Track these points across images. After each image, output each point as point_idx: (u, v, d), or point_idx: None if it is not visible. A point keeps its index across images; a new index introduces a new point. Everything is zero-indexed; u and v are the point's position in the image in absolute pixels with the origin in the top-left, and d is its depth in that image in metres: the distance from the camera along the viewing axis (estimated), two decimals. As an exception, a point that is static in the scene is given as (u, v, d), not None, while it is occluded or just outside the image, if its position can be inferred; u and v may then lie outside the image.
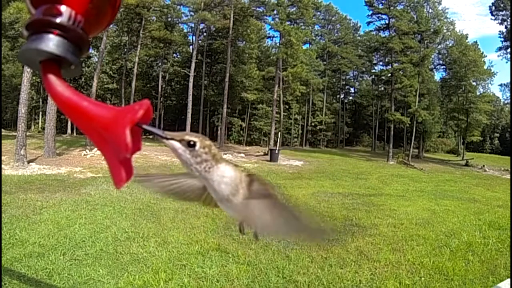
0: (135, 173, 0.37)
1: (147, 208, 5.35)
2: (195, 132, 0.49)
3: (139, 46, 25.01)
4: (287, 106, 31.22)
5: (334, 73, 36.87)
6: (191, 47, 29.65)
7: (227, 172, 0.50)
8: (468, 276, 3.41)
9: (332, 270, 3.37)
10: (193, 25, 26.81)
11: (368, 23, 25.88)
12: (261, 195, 0.51)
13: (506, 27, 22.05)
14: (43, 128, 15.19)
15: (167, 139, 0.46)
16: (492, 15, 22.77)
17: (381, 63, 30.62)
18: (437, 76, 36.11)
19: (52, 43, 0.33)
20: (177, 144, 0.46)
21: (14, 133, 13.84)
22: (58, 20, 0.33)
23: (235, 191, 0.50)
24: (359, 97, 40.35)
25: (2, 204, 4.99)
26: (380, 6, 23.78)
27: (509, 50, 22.12)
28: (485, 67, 28.92)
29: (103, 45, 16.57)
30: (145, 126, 0.38)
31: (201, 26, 25.10)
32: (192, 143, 0.46)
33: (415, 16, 24.30)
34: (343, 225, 5.04)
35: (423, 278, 3.33)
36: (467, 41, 28.66)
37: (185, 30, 32.01)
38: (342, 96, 40.47)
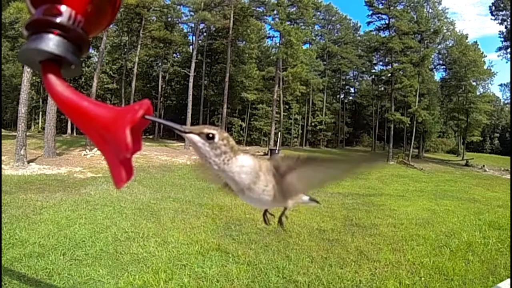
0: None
1: (147, 208, 5.35)
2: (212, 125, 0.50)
3: (139, 46, 25.02)
4: (287, 106, 31.23)
5: (334, 73, 36.88)
6: (191, 47, 29.64)
7: (245, 161, 0.50)
8: (468, 276, 3.41)
9: (332, 270, 3.37)
10: (193, 25, 26.82)
11: (368, 23, 25.93)
12: (289, 168, 0.51)
13: (506, 27, 22.06)
14: (43, 128, 15.19)
15: (186, 132, 0.47)
16: (492, 15, 22.79)
17: (381, 63, 30.63)
18: (437, 76, 36.24)
19: (52, 43, 0.33)
20: (196, 137, 0.47)
21: (14, 133, 13.84)
22: (58, 20, 0.33)
23: (256, 178, 0.50)
24: (359, 97, 40.36)
25: (2, 204, 4.99)
26: (380, 6, 23.78)
27: (509, 50, 22.13)
28: (485, 67, 28.94)
29: (103, 45, 16.57)
30: (162, 121, 0.38)
31: (201, 26, 25.10)
32: (211, 135, 0.47)
33: (415, 16, 24.31)
34: (343, 225, 5.04)
35: (423, 278, 3.32)
36: (467, 41, 28.66)
37: (185, 30, 32.08)
38: (342, 96, 40.50)
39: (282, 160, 0.52)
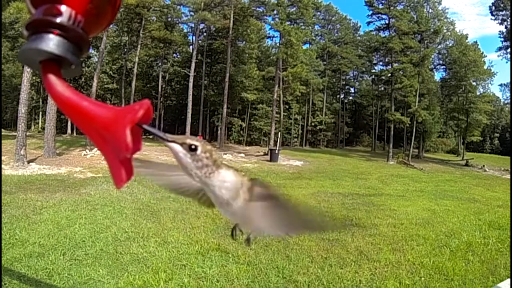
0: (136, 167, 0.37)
1: (147, 208, 5.35)
2: (195, 136, 0.50)
3: (139, 46, 25.01)
4: (287, 106, 31.22)
5: (334, 73, 36.86)
6: (191, 47, 29.64)
7: (228, 177, 0.49)
8: (468, 276, 3.41)
9: (332, 270, 3.37)
10: (193, 25, 26.82)
11: (368, 23, 25.93)
12: (262, 197, 0.51)
13: (506, 27, 22.05)
14: (43, 128, 15.19)
15: (168, 141, 0.46)
16: (492, 15, 22.78)
17: (381, 63, 30.64)
18: (437, 76, 36.14)
19: (52, 43, 0.32)
20: (178, 147, 0.46)
21: (14, 133, 13.84)
22: (58, 20, 0.33)
23: (236, 195, 0.50)
24: (359, 97, 40.36)
25: (2, 204, 4.99)
26: (380, 6, 23.78)
27: (509, 50, 22.13)
28: (485, 67, 28.93)
29: (103, 45, 16.57)
30: (146, 127, 0.38)
31: (201, 26, 25.10)
32: (193, 147, 0.46)
33: (415, 16, 24.30)
34: (343, 225, 5.03)
35: (423, 278, 3.32)
36: (467, 41, 28.66)
37: (185, 30, 32.06)
38: (342, 96, 40.48)
39: (261, 185, 0.51)
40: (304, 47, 27.92)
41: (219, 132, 27.03)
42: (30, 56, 0.34)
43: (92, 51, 24.86)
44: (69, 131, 26.39)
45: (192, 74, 21.06)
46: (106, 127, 0.34)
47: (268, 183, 0.53)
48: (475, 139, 30.05)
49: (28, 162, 9.32)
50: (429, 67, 27.25)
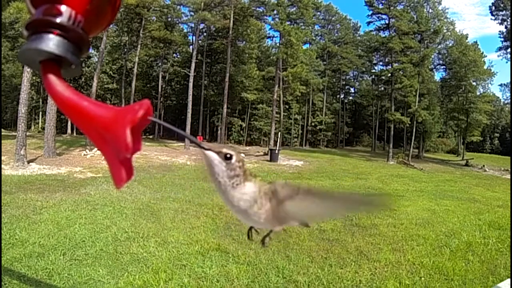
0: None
1: (147, 208, 5.35)
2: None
3: (139, 46, 25.01)
4: (287, 106, 31.22)
5: (334, 73, 36.86)
6: (191, 47, 29.64)
7: (249, 189, 0.51)
8: (468, 276, 3.41)
9: (332, 270, 3.37)
10: (193, 25, 26.80)
11: (368, 23, 25.92)
12: (290, 195, 0.52)
13: (506, 27, 22.04)
14: (43, 128, 15.19)
15: (205, 149, 0.49)
16: (492, 15, 22.77)
17: (381, 63, 30.63)
18: (437, 76, 36.17)
19: (52, 43, 0.33)
20: (214, 155, 0.49)
21: (14, 133, 13.84)
22: (58, 20, 0.33)
23: (253, 203, 0.52)
24: (359, 97, 40.34)
25: (2, 204, 4.99)
26: (380, 6, 23.77)
27: (509, 50, 22.12)
28: (485, 67, 28.91)
29: (103, 45, 16.57)
30: (183, 133, 0.40)
31: (201, 26, 25.09)
32: (228, 155, 0.49)
33: (415, 16, 24.29)
34: (343, 225, 5.03)
35: (423, 278, 3.32)
36: (467, 41, 28.65)
37: (185, 30, 32.06)
38: (342, 96, 40.48)
39: (282, 187, 0.53)
40: (304, 47, 27.93)
41: (219, 132, 27.06)
42: (30, 56, 0.34)
43: (92, 51, 24.87)
44: (69, 131, 26.39)
45: (192, 74, 21.05)
46: (106, 127, 0.34)
47: (290, 183, 0.54)
48: (475, 139, 30.04)
49: (28, 162, 9.32)
50: (429, 67, 27.24)
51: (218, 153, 0.49)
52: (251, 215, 0.53)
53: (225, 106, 23.42)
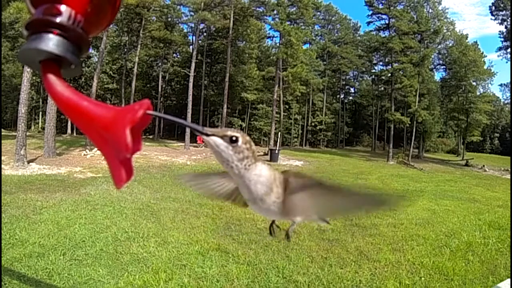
0: (183, 176, 0.37)
1: (147, 208, 5.35)
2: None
3: (139, 46, 25.01)
4: (287, 106, 31.23)
5: (334, 73, 36.87)
6: (191, 47, 29.64)
7: (263, 171, 0.49)
8: (468, 276, 3.41)
9: (332, 270, 3.37)
10: (193, 25, 26.80)
11: (368, 23, 25.87)
12: (301, 187, 0.50)
13: (506, 27, 22.04)
14: (43, 128, 15.19)
15: (208, 135, 0.46)
16: (492, 15, 22.77)
17: (381, 63, 30.60)
18: (437, 76, 36.20)
19: (52, 42, 0.32)
20: (219, 140, 0.46)
21: (14, 133, 13.84)
22: (58, 19, 0.33)
23: (270, 190, 0.50)
24: (359, 97, 40.36)
25: (2, 204, 4.99)
26: (380, 6, 23.76)
27: (509, 50, 22.11)
28: (485, 67, 28.91)
29: (103, 45, 16.55)
30: (184, 122, 0.38)
31: (201, 26, 25.08)
32: (234, 138, 0.46)
33: (415, 16, 24.28)
34: (343, 225, 5.03)
35: (423, 278, 3.32)
36: (467, 41, 28.66)
37: (185, 30, 32.05)
38: (342, 96, 40.48)
39: (295, 176, 0.51)
40: (304, 47, 27.93)
41: (219, 132, 26.89)
42: (30, 56, 0.34)
43: (92, 51, 24.86)
44: (69, 131, 26.40)
45: (192, 74, 21.04)
46: (106, 127, 0.34)
47: (303, 173, 0.52)
48: (475, 139, 30.02)
49: (28, 162, 9.32)
50: (429, 67, 27.23)
51: (222, 137, 0.46)
52: (270, 205, 0.51)
53: (225, 106, 23.41)
